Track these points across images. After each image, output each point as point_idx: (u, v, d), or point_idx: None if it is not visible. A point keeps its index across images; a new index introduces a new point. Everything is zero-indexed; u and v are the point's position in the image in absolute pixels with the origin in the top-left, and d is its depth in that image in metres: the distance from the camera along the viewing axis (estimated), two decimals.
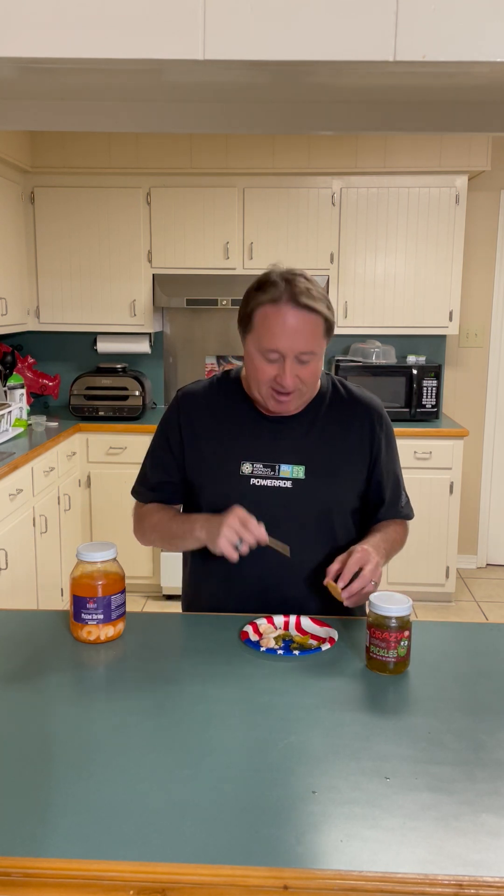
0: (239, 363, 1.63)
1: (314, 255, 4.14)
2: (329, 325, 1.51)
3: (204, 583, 1.68)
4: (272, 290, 1.47)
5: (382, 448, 1.66)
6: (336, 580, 1.46)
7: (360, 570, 1.45)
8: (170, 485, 1.69)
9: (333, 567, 1.48)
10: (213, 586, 1.66)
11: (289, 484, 1.59)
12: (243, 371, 1.66)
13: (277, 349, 1.48)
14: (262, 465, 1.60)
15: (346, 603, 1.45)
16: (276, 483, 1.59)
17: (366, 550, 1.48)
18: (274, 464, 1.60)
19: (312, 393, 1.59)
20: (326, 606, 1.64)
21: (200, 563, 1.67)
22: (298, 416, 1.60)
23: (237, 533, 1.45)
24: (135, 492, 1.76)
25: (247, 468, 1.60)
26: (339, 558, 1.49)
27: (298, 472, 1.59)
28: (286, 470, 1.59)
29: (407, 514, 1.73)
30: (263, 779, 1.03)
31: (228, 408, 1.64)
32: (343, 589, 1.44)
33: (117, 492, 4.03)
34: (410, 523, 1.77)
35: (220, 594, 1.64)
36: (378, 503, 1.69)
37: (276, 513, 1.58)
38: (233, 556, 1.45)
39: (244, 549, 1.46)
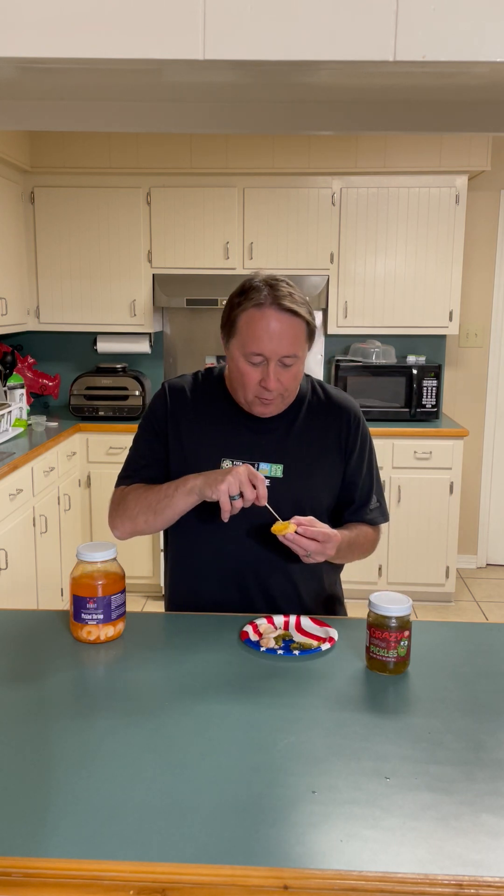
0: None
1: (314, 255, 4.14)
2: (311, 330, 1.53)
3: (182, 577, 1.69)
4: (255, 294, 1.49)
5: (356, 450, 1.68)
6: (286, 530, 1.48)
7: (314, 539, 1.47)
8: (154, 469, 1.68)
9: (303, 518, 1.49)
10: (191, 580, 1.67)
11: (267, 482, 1.60)
12: (226, 370, 1.67)
13: (262, 353, 1.50)
14: (241, 463, 1.61)
15: (278, 537, 1.47)
16: None
17: (334, 535, 1.50)
18: (253, 462, 1.61)
19: (294, 396, 1.61)
20: (303, 602, 1.65)
21: (179, 556, 1.69)
22: (278, 417, 1.62)
23: (240, 486, 1.44)
24: (119, 479, 1.74)
25: (226, 465, 1.61)
26: (312, 518, 1.50)
27: (277, 470, 1.61)
28: (265, 468, 1.61)
29: (372, 520, 1.72)
30: (263, 779, 1.03)
31: (211, 405, 1.66)
32: (290, 533, 1.46)
33: None
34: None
35: (198, 588, 1.66)
36: (346, 504, 1.70)
37: (253, 510, 1.59)
38: (226, 505, 1.44)
39: (237, 505, 1.46)
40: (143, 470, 1.69)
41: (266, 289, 1.49)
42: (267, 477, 1.61)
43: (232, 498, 1.44)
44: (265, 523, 1.60)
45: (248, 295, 1.51)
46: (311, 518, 1.50)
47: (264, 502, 1.47)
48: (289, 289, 1.51)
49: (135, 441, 1.74)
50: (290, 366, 1.53)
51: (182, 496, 1.53)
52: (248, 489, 1.44)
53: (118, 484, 1.74)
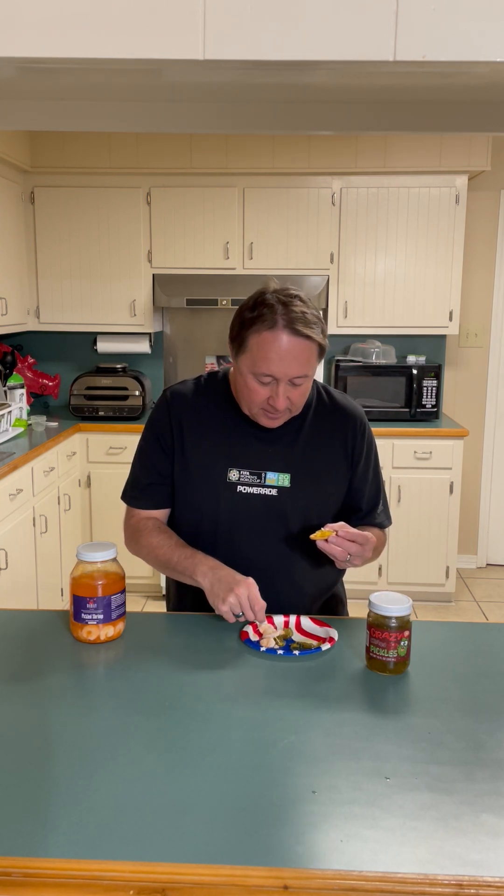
0: None
1: (314, 255, 4.14)
2: (322, 350, 1.51)
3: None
4: (268, 314, 1.46)
5: (362, 457, 1.68)
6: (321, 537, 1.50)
7: (354, 542, 1.48)
8: (163, 487, 1.66)
9: (335, 524, 1.50)
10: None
11: (274, 492, 1.60)
12: (231, 375, 1.66)
13: (272, 374, 1.48)
14: (248, 473, 1.60)
15: (318, 544, 1.48)
16: (262, 491, 1.60)
17: (370, 537, 1.51)
18: (260, 471, 1.61)
19: (300, 408, 1.60)
20: (308, 604, 1.65)
21: None
22: (284, 425, 1.61)
23: (241, 607, 1.45)
24: (126, 496, 1.72)
25: (233, 475, 1.61)
26: (343, 523, 1.51)
27: (284, 480, 1.61)
28: (272, 478, 1.61)
29: (381, 523, 1.73)
30: (263, 779, 1.03)
31: (215, 412, 1.64)
32: (332, 536, 1.47)
33: (117, 492, 4.01)
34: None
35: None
36: (354, 510, 1.70)
37: (261, 520, 1.60)
38: (230, 619, 1.47)
39: (236, 618, 1.48)
40: (149, 488, 1.68)
41: (280, 308, 1.45)
42: (274, 486, 1.60)
43: (235, 615, 1.47)
44: (271, 527, 1.60)
45: (260, 313, 1.46)
46: (342, 523, 1.51)
47: (259, 622, 1.49)
48: (302, 307, 1.46)
49: (139, 453, 1.71)
50: (300, 385, 1.52)
51: (188, 581, 1.56)
52: (248, 613, 1.45)
53: (126, 499, 1.73)
